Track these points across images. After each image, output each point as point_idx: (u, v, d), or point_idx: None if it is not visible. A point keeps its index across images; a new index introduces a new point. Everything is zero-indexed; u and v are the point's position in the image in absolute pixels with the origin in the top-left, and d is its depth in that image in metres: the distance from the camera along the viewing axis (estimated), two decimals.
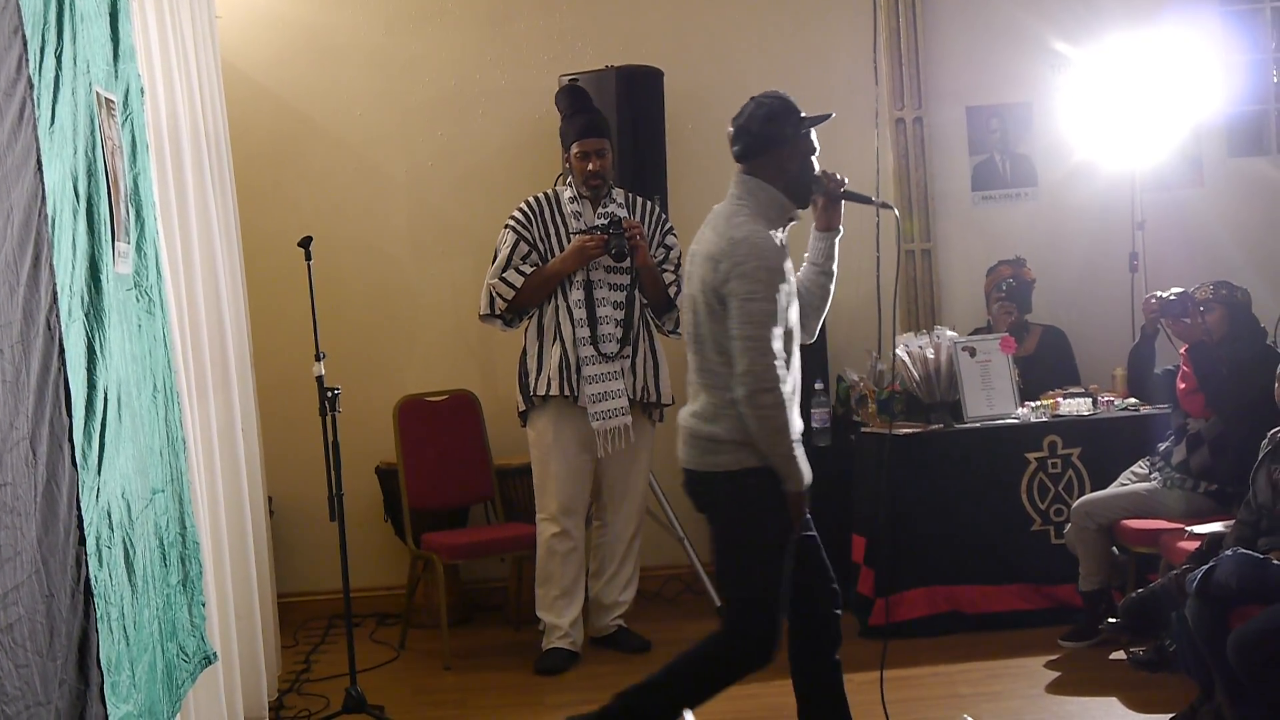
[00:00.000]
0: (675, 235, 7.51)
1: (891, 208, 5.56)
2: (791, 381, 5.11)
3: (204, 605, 5.33)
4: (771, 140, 5.14)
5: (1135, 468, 7.32)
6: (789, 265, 5.11)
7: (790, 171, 5.16)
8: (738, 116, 5.23)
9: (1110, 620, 6.59)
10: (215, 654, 5.40)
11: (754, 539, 5.14)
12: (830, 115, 5.29)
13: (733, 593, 5.29)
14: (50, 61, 4.12)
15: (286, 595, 8.07)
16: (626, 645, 7.56)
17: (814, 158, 5.24)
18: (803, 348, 7.93)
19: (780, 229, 5.16)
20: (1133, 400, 7.79)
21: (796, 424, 5.12)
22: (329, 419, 6.50)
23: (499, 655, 7.73)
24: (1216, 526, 6.32)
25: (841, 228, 5.43)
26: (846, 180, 5.39)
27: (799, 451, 5.08)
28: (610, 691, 6.80)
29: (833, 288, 5.51)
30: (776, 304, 4.97)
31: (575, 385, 7.25)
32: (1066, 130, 8.77)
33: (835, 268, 5.47)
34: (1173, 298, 7.04)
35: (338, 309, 8.04)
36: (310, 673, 7.53)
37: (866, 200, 5.50)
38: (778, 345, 4.97)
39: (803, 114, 5.22)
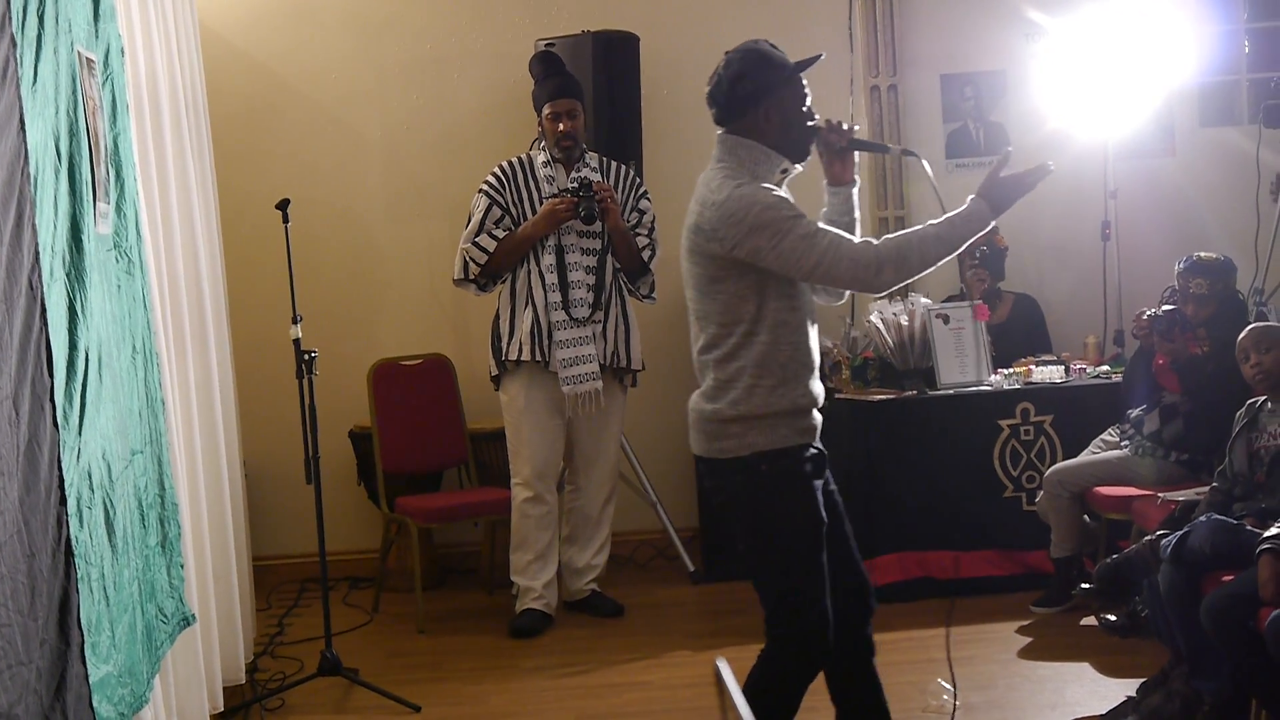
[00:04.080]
0: (649, 199, 7.51)
1: (916, 155, 5.07)
2: (808, 345, 4.66)
3: (183, 567, 5.33)
4: (744, 99, 4.61)
5: (1105, 435, 7.37)
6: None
7: (773, 127, 4.62)
8: (710, 79, 4.71)
9: (1083, 586, 6.63)
10: (194, 616, 5.41)
11: (781, 531, 4.62)
12: (819, 56, 4.72)
13: (770, 595, 4.69)
14: (33, 20, 4.10)
15: (259, 558, 8.04)
16: (600, 609, 7.59)
17: (806, 106, 4.68)
18: None
19: (774, 184, 4.63)
20: (1104, 368, 7.85)
21: (817, 389, 4.68)
22: (306, 382, 6.49)
23: (473, 619, 7.75)
24: (1189, 493, 6.37)
25: (857, 178, 4.85)
26: (857, 128, 4.82)
27: (953, 226, 4.48)
28: (584, 654, 6.90)
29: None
30: (797, 216, 4.44)
31: (547, 350, 7.26)
32: (1040, 99, 8.77)
33: (854, 222, 4.84)
34: (1160, 314, 7.00)
35: (311, 271, 7.99)
36: (284, 636, 7.54)
37: (882, 149, 4.89)
38: (832, 236, 4.45)
39: (784, 61, 4.65)
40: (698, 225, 4.60)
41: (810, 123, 4.71)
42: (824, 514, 4.64)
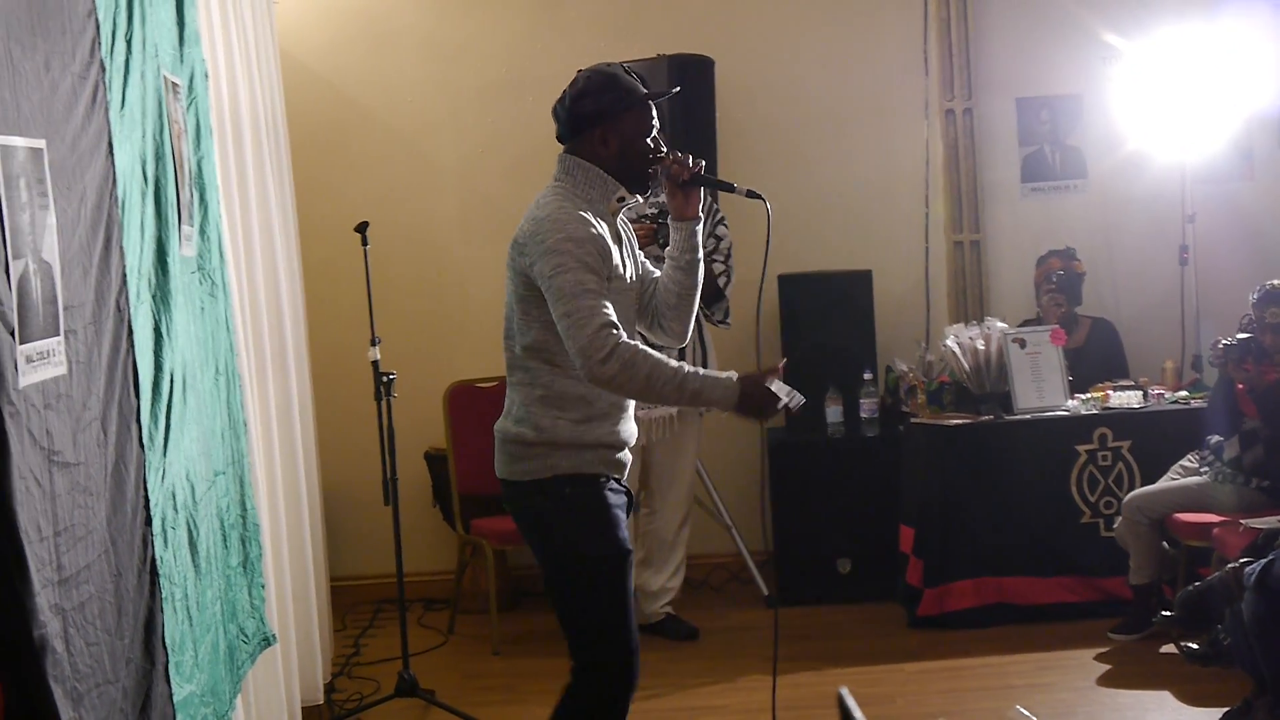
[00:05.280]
0: (726, 226, 7.51)
1: (760, 198, 4.86)
2: None
3: (263, 587, 5.36)
4: (581, 118, 4.52)
5: (1184, 461, 7.31)
6: (618, 254, 4.48)
7: (610, 151, 4.51)
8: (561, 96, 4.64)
9: (1164, 613, 6.58)
10: (274, 636, 5.44)
11: (584, 557, 4.49)
12: (673, 91, 4.81)
13: (573, 623, 4.57)
14: (121, 45, 4.15)
15: (334, 578, 8.07)
16: (674, 632, 7.59)
17: (651, 136, 4.56)
18: (840, 336, 7.95)
19: (607, 210, 4.52)
20: (1183, 393, 7.78)
21: (628, 430, 4.61)
22: (384, 404, 6.52)
23: (547, 641, 7.71)
24: (1271, 521, 6.32)
25: (701, 216, 4.66)
26: (702, 164, 4.62)
27: (700, 380, 4.30)
28: (659, 678, 6.88)
29: (697, 283, 4.69)
30: (590, 269, 4.30)
31: None
32: (1117, 122, 8.71)
33: (697, 261, 4.66)
34: (1235, 343, 6.93)
35: (387, 294, 8.03)
36: (360, 656, 7.59)
37: (727, 187, 4.70)
38: (603, 307, 4.28)
39: (632, 88, 4.53)
40: (516, 239, 4.48)
41: (654, 154, 4.57)
42: (628, 545, 4.52)
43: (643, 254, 4.69)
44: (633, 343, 4.29)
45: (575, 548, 4.50)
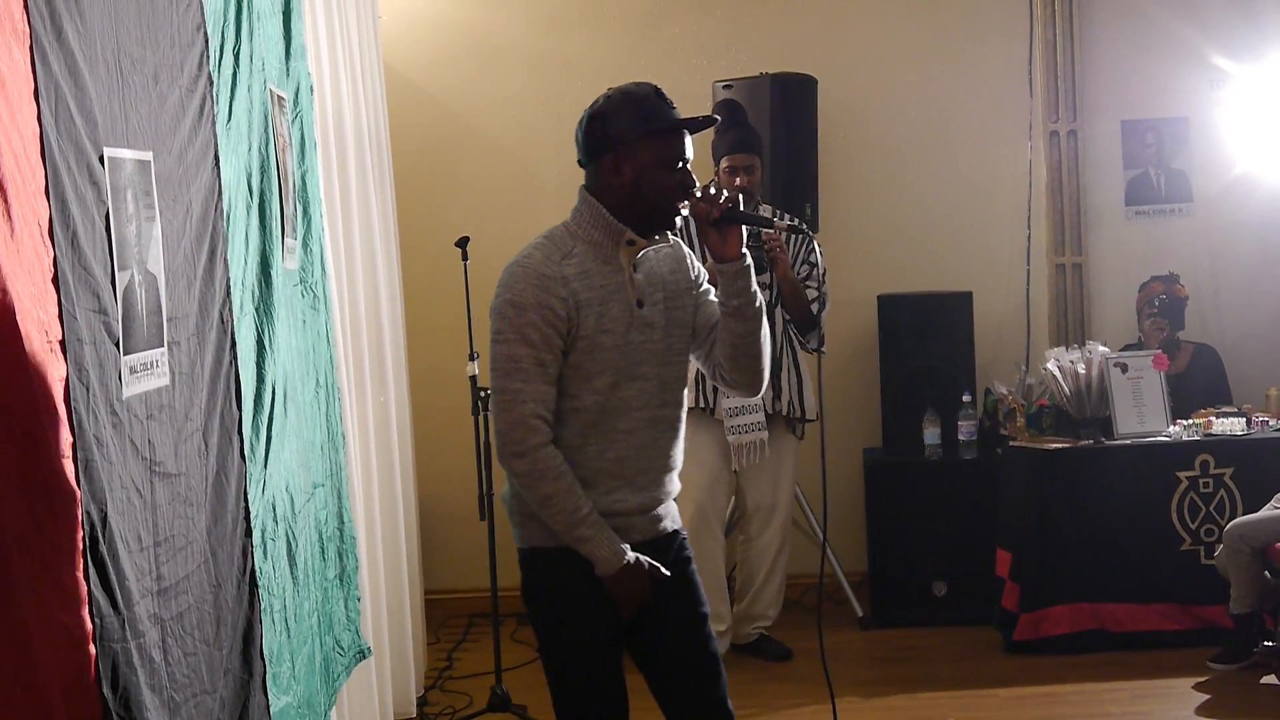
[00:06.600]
0: (820, 252, 7.44)
1: (803, 231, 4.45)
2: (596, 449, 4.10)
3: (359, 600, 5.39)
4: (595, 141, 4.07)
5: None
6: (619, 304, 4.07)
7: (623, 182, 4.03)
8: None
9: (1266, 643, 6.49)
10: (369, 648, 5.46)
11: (551, 639, 4.22)
12: (709, 120, 4.17)
13: (554, 708, 4.29)
14: (229, 59, 4.19)
15: (428, 592, 8.09)
16: (768, 653, 7.54)
17: (678, 168, 4.05)
18: (939, 357, 7.87)
19: (618, 255, 4.08)
20: None
21: (620, 501, 4.12)
22: (481, 419, 6.54)
23: None
24: None
25: (746, 254, 4.10)
26: (737, 199, 4.12)
27: (594, 530, 4.01)
28: (752, 698, 6.85)
29: (753, 330, 4.16)
30: (526, 342, 3.97)
31: (711, 398, 7.22)
32: (1224, 146, 8.61)
33: (748, 305, 4.13)
34: None
35: (486, 310, 8.04)
36: (453, 670, 7.59)
37: (765, 223, 4.35)
38: (529, 395, 3.98)
39: (653, 112, 4.04)
40: None
41: (679, 189, 4.05)
42: (599, 633, 4.16)
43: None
44: (553, 453, 3.98)
45: (542, 626, 4.26)
